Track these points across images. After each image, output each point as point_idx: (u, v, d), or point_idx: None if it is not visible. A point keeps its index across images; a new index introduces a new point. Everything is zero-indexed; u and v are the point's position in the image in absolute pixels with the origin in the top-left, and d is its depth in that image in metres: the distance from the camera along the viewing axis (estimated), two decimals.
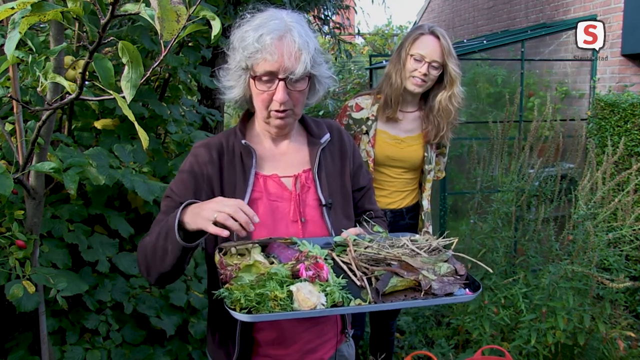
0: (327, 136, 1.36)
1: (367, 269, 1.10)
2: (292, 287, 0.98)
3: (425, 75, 2.07)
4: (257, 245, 1.11)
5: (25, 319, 1.81)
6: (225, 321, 1.25)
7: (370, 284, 1.07)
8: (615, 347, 2.29)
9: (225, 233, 1.00)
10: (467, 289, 1.07)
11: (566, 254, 2.29)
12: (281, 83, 1.16)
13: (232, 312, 0.96)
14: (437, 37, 2.06)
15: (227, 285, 0.99)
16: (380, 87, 2.21)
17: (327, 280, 1.03)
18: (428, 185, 2.30)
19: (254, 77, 1.18)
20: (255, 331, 1.25)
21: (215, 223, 1.01)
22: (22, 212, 1.57)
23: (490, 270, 1.16)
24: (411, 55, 2.08)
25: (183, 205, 1.09)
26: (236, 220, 1.01)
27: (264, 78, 1.16)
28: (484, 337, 2.41)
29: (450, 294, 1.05)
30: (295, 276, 1.02)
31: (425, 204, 2.31)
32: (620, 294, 2.34)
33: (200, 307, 2.11)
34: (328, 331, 1.34)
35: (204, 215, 1.02)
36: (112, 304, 1.91)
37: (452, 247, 1.18)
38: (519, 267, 2.58)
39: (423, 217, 2.31)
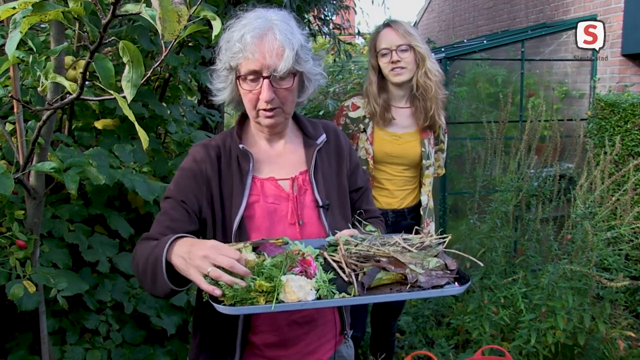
0: (323, 137, 1.35)
1: (357, 265, 1.10)
2: (282, 277, 0.98)
3: (398, 61, 2.13)
4: (248, 245, 1.11)
5: (25, 319, 1.81)
6: (224, 327, 1.24)
7: (357, 279, 1.07)
8: (615, 347, 2.29)
9: (217, 292, 0.93)
10: (456, 283, 1.06)
11: (565, 254, 2.29)
12: (266, 81, 1.16)
13: (215, 304, 0.94)
14: (391, 26, 2.18)
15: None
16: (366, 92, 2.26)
17: (314, 276, 1.03)
18: (427, 181, 2.30)
19: (239, 77, 1.19)
20: (254, 334, 1.25)
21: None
22: (23, 212, 1.57)
23: (481, 264, 1.15)
24: (379, 53, 2.19)
25: (171, 239, 1.04)
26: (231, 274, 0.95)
27: (249, 77, 1.17)
28: (483, 337, 2.41)
29: (437, 287, 1.04)
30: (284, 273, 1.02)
31: (425, 199, 2.31)
32: (620, 294, 2.33)
33: None
34: (327, 332, 1.34)
35: (197, 264, 0.96)
36: (112, 304, 1.91)
37: (445, 244, 1.17)
38: (519, 267, 2.58)
39: (422, 212, 2.31)
